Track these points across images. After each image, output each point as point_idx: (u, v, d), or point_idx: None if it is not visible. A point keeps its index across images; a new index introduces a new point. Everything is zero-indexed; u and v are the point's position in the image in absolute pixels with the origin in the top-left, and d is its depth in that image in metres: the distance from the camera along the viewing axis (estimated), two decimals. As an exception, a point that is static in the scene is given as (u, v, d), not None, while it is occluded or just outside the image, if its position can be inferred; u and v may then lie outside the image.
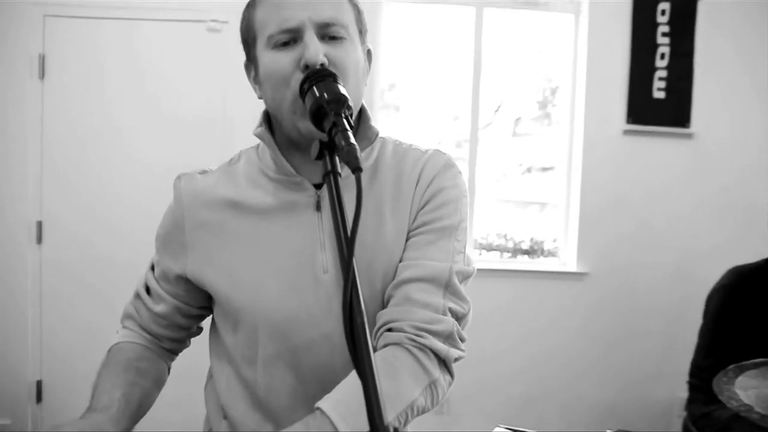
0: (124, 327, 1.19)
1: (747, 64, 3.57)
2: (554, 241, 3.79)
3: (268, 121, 1.09)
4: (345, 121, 0.81)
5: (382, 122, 3.67)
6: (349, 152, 0.75)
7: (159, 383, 1.16)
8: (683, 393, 2.70)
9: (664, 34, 3.51)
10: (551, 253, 3.79)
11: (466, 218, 1.09)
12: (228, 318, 1.09)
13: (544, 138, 3.99)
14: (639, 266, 3.56)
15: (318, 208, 1.05)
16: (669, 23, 3.51)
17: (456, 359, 1.01)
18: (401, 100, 4.00)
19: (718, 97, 3.54)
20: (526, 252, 3.88)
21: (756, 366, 1.39)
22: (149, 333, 1.17)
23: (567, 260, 3.64)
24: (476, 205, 3.70)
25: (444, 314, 1.00)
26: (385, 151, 1.11)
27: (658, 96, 3.51)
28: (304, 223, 1.05)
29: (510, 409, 3.55)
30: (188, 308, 1.15)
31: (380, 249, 1.04)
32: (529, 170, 4.10)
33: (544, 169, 4.05)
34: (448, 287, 1.01)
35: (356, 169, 0.73)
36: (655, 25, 3.52)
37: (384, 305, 1.04)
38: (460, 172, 1.11)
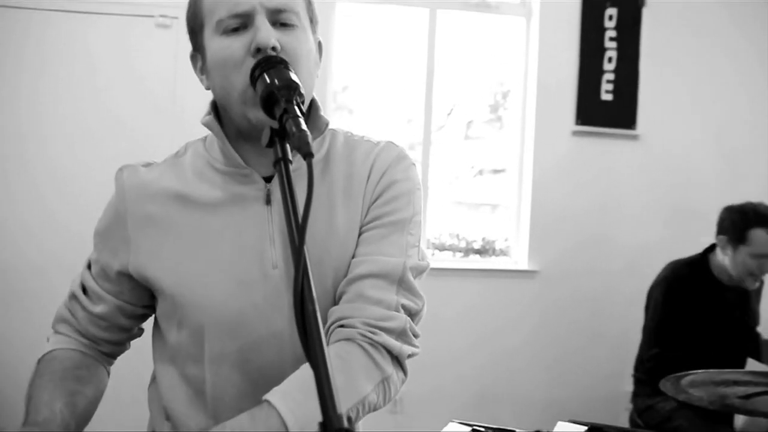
0: (57, 332, 1.13)
1: (689, 70, 3.71)
2: (506, 240, 3.84)
3: (216, 112, 1.06)
4: (296, 107, 0.80)
5: (335, 124, 3.64)
6: (300, 138, 0.73)
7: (100, 390, 1.10)
8: (631, 387, 2.77)
9: (611, 39, 3.61)
10: (503, 252, 3.84)
11: (419, 211, 1.07)
12: (172, 316, 1.05)
13: (496, 141, 4.05)
14: (589, 263, 3.64)
15: (268, 201, 1.02)
16: (616, 28, 3.61)
17: (409, 356, 1.00)
18: (355, 102, 3.99)
19: (662, 101, 3.66)
20: (477, 251, 3.93)
21: (693, 374, 1.51)
22: (86, 336, 1.12)
23: (518, 259, 3.70)
24: (429, 206, 3.72)
25: (397, 310, 0.98)
26: (336, 142, 1.10)
27: (606, 98, 3.60)
28: (253, 217, 1.02)
29: (464, 407, 3.57)
30: (131, 308, 1.11)
31: (331, 244, 1.02)
32: (480, 173, 4.15)
33: (496, 172, 4.10)
34: (401, 283, 1.00)
35: (307, 155, 0.72)
36: (603, 29, 3.61)
37: (336, 302, 1.01)
38: (414, 165, 1.10)
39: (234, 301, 1.01)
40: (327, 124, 1.08)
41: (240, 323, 1.01)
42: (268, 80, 0.86)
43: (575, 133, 3.59)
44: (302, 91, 0.85)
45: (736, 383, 1.59)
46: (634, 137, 3.64)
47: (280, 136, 0.77)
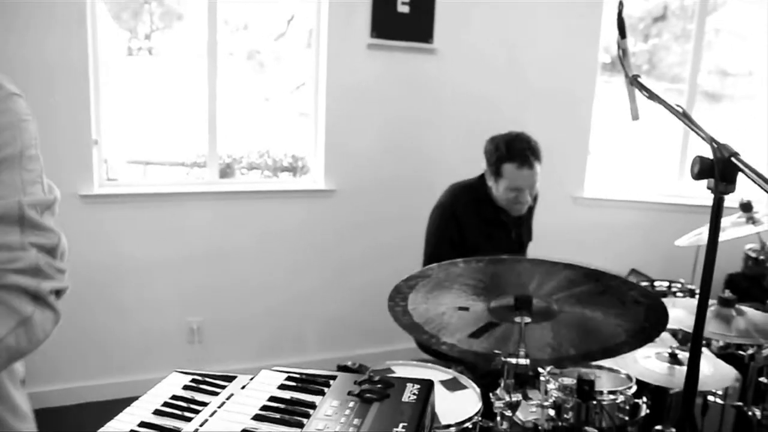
0: None
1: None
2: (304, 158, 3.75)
3: None
4: None
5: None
6: None
7: None
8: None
9: (408, -52, 3.47)
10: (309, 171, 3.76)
11: (32, 144, 1.00)
12: None
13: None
14: (385, 181, 3.65)
15: None
16: (414, -62, 3.46)
17: (59, 291, 1.00)
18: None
19: (458, 14, 3.61)
20: (286, 169, 3.83)
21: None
22: None
23: (317, 178, 3.63)
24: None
25: (24, 250, 0.96)
26: None
27: (402, 10, 3.50)
28: None
29: (262, 333, 3.57)
30: None
31: None
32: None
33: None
34: (23, 222, 0.97)
35: None
36: (401, -63, 3.45)
37: None
38: (16, 95, 1.00)
39: None
40: None
41: None
42: None
43: (371, 47, 3.48)
44: None
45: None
46: (431, 51, 3.60)
47: None
